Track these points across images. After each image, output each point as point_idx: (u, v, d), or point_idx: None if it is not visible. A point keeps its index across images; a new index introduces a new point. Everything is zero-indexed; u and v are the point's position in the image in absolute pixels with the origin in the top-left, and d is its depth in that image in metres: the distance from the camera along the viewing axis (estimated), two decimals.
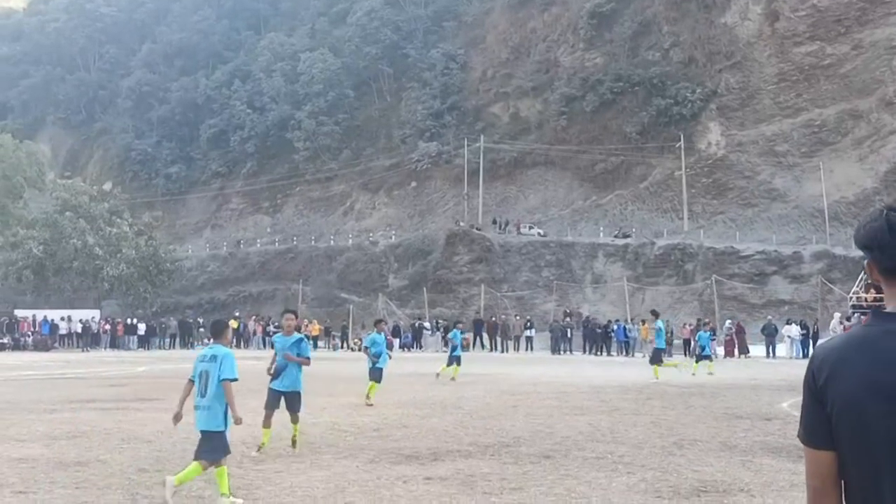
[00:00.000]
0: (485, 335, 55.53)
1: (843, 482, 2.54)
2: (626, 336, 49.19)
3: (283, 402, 13.31)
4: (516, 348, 53.72)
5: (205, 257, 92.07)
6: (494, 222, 77.40)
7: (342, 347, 59.52)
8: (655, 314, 30.11)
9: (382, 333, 22.25)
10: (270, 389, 13.44)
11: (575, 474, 11.16)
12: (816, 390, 2.54)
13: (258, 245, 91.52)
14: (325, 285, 79.63)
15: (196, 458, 9.34)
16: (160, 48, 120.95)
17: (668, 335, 42.83)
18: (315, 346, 59.38)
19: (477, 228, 75.74)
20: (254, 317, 66.16)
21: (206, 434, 9.39)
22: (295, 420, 13.23)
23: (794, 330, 44.04)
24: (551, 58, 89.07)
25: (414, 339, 57.63)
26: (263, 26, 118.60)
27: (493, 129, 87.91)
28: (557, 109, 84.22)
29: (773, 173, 72.05)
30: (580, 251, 71.40)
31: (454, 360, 28.33)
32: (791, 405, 19.78)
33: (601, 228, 74.36)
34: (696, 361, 32.00)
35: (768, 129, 73.52)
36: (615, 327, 50.72)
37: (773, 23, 75.83)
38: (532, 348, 53.01)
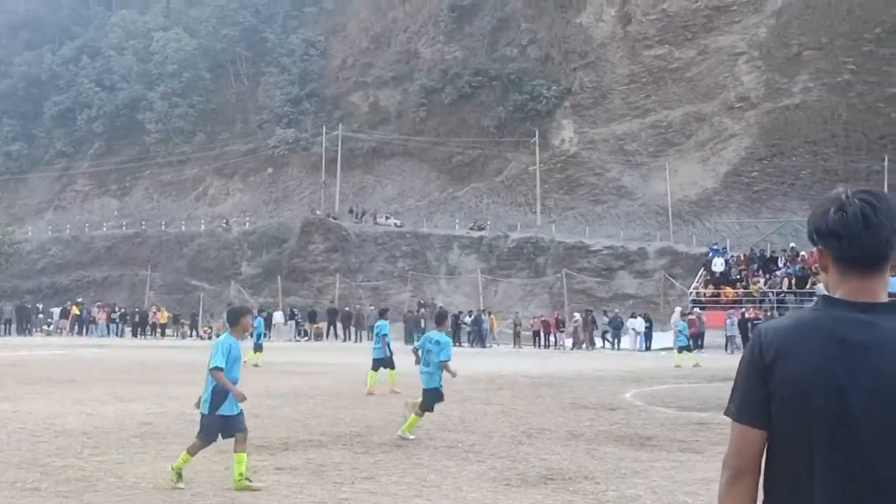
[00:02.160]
0: (339, 325, 55.34)
1: (768, 464, 2.55)
2: (479, 327, 49.82)
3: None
4: (370, 338, 53.59)
5: (46, 240, 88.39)
6: (351, 211, 77.13)
7: (191, 335, 58.29)
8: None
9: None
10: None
11: (426, 463, 11.30)
12: (762, 367, 2.52)
13: (104, 229, 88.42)
14: (174, 272, 77.78)
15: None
16: (4, 18, 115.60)
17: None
18: (163, 334, 58.09)
19: (333, 217, 75.38)
20: (98, 303, 64.01)
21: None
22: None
23: (639, 323, 45.52)
24: (412, 49, 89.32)
25: (266, 328, 56.79)
26: (115, 2, 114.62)
27: (351, 118, 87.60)
28: (417, 101, 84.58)
29: (622, 171, 74.21)
30: (436, 242, 71.92)
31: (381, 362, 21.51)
32: (634, 395, 20.50)
33: (457, 220, 75.07)
34: (679, 352, 31.18)
35: (619, 129, 75.69)
36: (467, 318, 51.32)
37: (626, 25, 78.11)
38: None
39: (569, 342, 47.98)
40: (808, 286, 44.68)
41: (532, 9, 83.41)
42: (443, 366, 13.48)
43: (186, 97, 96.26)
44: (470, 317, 51.62)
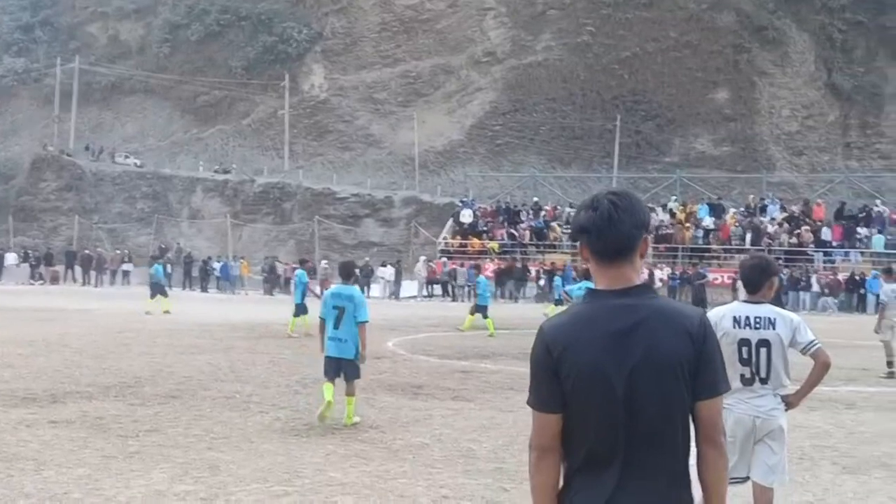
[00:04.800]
0: (77, 268, 52.65)
1: (566, 439, 2.92)
2: (227, 273, 49.00)
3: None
4: (112, 282, 51.49)
5: None
6: (87, 149, 73.27)
7: None
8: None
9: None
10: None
11: (208, 415, 11.16)
12: (552, 362, 2.88)
13: None
14: None
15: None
16: None
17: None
18: None
19: (67, 154, 71.40)
20: None
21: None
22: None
23: (389, 271, 46.30)
24: None
25: None
26: None
27: (89, 50, 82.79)
28: (161, 36, 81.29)
29: (371, 120, 74.74)
30: (178, 184, 69.80)
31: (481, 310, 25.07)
32: (395, 344, 20.97)
33: (201, 163, 73.02)
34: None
35: (369, 77, 76.02)
36: (215, 264, 50.32)
37: None
38: (129, 283, 51.09)
39: (318, 289, 48.00)
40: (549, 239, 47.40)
41: None
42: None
43: None
44: (219, 262, 50.61)
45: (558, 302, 27.19)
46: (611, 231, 2.90)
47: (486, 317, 24.42)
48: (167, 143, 77.52)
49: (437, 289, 45.95)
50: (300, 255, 58.76)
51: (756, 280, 5.78)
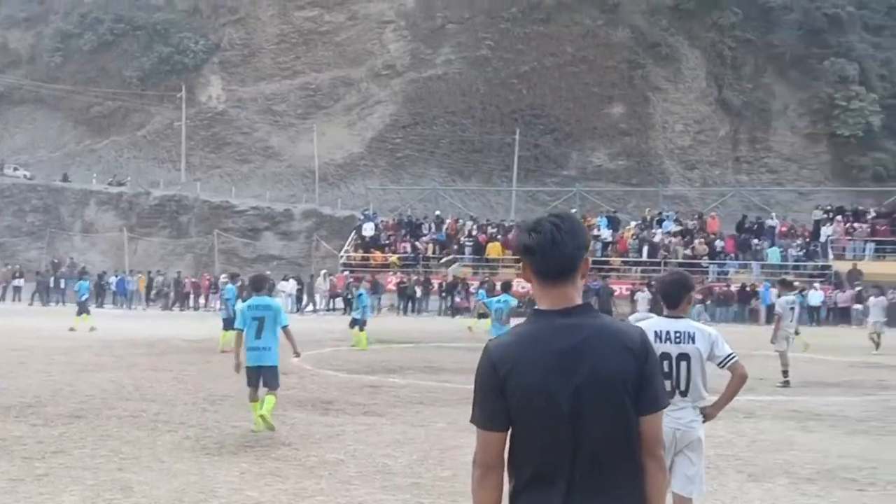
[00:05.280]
0: None
1: (511, 456, 2.97)
2: (123, 288, 47.94)
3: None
4: (2, 298, 49.77)
5: None
6: None
7: None
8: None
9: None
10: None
11: (115, 434, 10.92)
12: (498, 380, 2.91)
13: None
14: None
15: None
16: None
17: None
18: None
19: None
20: None
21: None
22: None
23: (291, 285, 45.91)
24: None
25: None
26: None
27: None
28: (52, 45, 79.28)
29: (270, 132, 74.18)
30: (70, 197, 68.05)
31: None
32: (301, 359, 20.77)
33: (94, 175, 71.28)
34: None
35: (268, 88, 75.46)
36: (112, 279, 49.19)
37: None
38: (20, 299, 49.54)
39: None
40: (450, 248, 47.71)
41: None
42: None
43: None
44: (115, 277, 49.47)
45: (482, 315, 27.40)
46: (554, 252, 2.96)
47: (362, 330, 24.24)
48: (59, 155, 75.51)
49: (339, 302, 45.73)
50: (198, 269, 58.19)
51: (675, 295, 5.95)
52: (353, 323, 24.94)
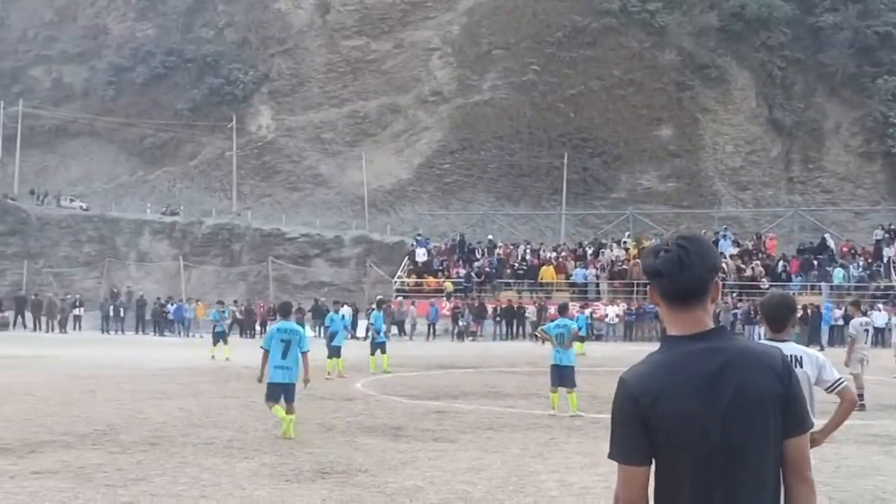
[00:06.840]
0: (28, 314, 51.52)
1: (657, 490, 2.89)
2: (181, 316, 48.37)
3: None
4: (63, 328, 50.19)
5: None
6: (32, 193, 72.18)
7: None
8: None
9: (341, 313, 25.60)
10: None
11: (192, 461, 10.99)
12: (640, 412, 2.82)
13: None
14: None
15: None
16: None
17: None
18: None
19: (11, 199, 70.18)
20: None
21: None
22: None
23: (346, 311, 46.00)
24: (99, 24, 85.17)
25: None
26: None
27: (32, 94, 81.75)
28: (105, 79, 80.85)
29: (319, 159, 74.77)
30: (125, 227, 68.91)
31: (377, 346, 24.71)
32: (364, 385, 20.86)
33: (148, 205, 72.24)
34: (581, 342, 29.68)
35: (316, 117, 76.17)
36: (171, 307, 49.65)
37: (324, 14, 78.67)
38: (81, 328, 50.12)
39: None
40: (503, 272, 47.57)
41: None
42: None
43: None
44: (172, 305, 49.94)
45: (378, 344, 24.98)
46: (682, 275, 2.89)
47: (384, 352, 24.48)
48: (113, 186, 76.69)
49: (394, 328, 45.77)
50: (251, 296, 58.48)
51: (782, 317, 5.84)
52: (374, 348, 24.63)
